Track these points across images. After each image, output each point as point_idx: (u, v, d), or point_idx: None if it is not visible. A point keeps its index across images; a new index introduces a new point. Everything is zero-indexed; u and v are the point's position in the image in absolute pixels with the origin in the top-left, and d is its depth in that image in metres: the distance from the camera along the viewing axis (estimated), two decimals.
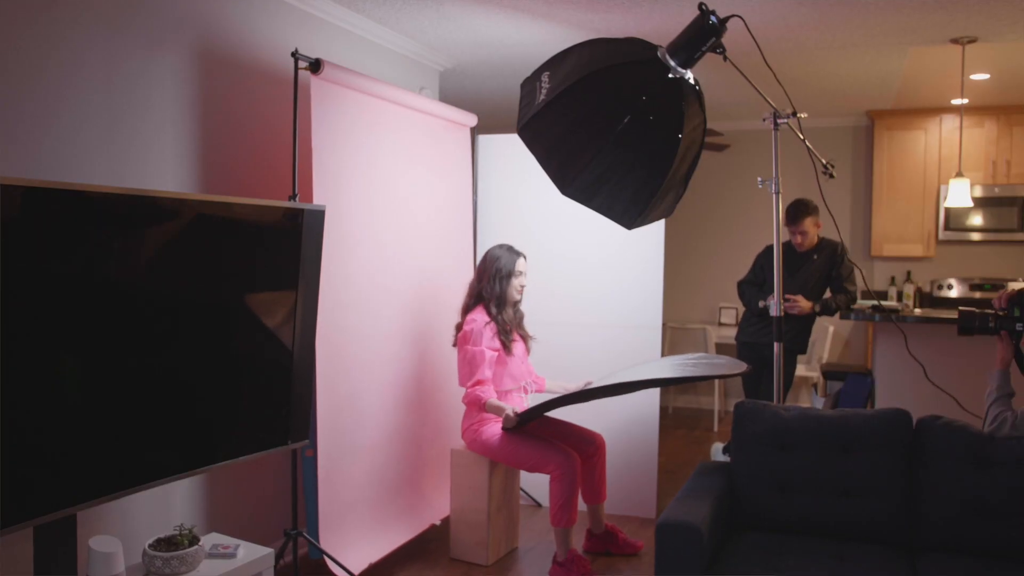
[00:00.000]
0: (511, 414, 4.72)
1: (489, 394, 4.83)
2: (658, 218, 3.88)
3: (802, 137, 4.07)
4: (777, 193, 4.22)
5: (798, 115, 4.12)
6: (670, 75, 3.43)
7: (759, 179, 4.29)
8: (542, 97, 3.61)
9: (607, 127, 3.55)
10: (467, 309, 5.03)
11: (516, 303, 5.06)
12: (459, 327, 5.01)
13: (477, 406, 4.84)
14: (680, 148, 3.47)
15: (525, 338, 5.17)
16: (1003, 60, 6.44)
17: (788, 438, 3.77)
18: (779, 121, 4.14)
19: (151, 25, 3.96)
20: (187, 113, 4.18)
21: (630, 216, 3.78)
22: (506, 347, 4.94)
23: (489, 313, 4.94)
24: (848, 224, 9.08)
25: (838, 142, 9.09)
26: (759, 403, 3.94)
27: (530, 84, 3.71)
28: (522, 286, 5.03)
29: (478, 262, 5.10)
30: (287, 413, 3.95)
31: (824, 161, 4.21)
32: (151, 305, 3.27)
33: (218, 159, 4.37)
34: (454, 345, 5.04)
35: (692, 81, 3.49)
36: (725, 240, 9.50)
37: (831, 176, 4.30)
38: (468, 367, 4.89)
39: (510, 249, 5.01)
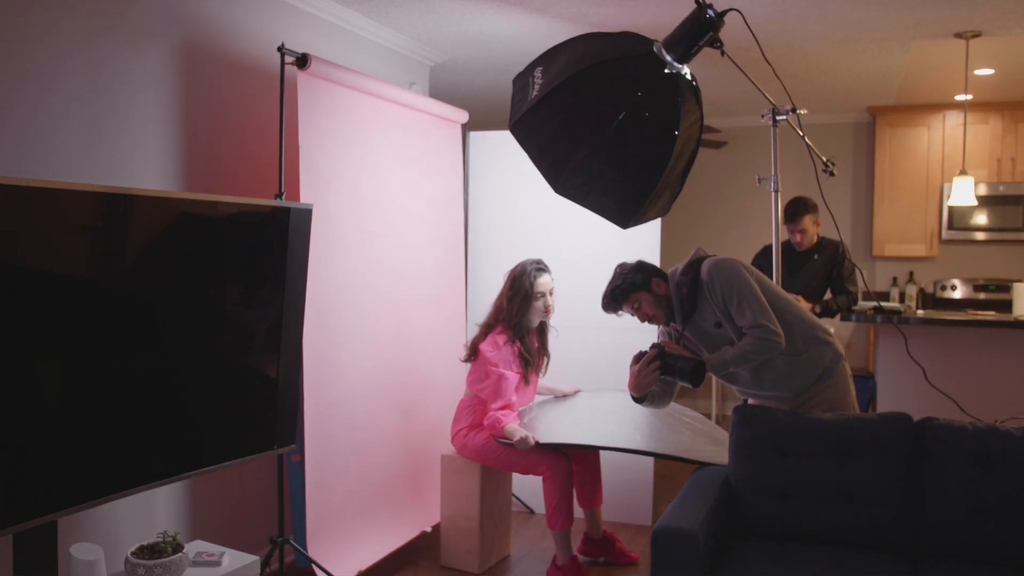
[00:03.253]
0: (530, 439, 4.67)
1: (510, 419, 4.81)
2: (654, 217, 3.89)
3: (801, 134, 4.09)
4: (776, 191, 4.24)
5: (797, 111, 4.14)
6: (666, 70, 3.44)
7: (757, 177, 4.31)
8: (535, 93, 3.62)
9: (601, 124, 3.56)
10: (487, 327, 5.02)
11: (537, 325, 5.07)
12: (475, 343, 5.01)
13: (496, 429, 4.80)
14: (676, 145, 3.48)
15: (545, 357, 5.18)
16: (1008, 55, 6.47)
17: (787, 443, 3.79)
18: (778, 118, 4.16)
19: (133, 19, 3.97)
20: (171, 109, 4.19)
21: (625, 215, 3.79)
22: (525, 377, 4.98)
23: (509, 336, 4.95)
24: (849, 223, 9.12)
25: (839, 139, 9.12)
26: (757, 407, 3.95)
27: (523, 80, 3.72)
28: (546, 307, 5.01)
29: (507, 276, 5.06)
30: (273, 417, 3.96)
31: (824, 159, 4.23)
32: (133, 306, 3.28)
33: (202, 157, 4.38)
34: (466, 359, 5.04)
35: (689, 76, 3.50)
36: (723, 240, 9.50)
37: (831, 174, 4.32)
38: (494, 388, 4.86)
39: (535, 263, 4.99)
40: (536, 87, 3.62)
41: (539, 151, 3.76)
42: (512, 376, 4.89)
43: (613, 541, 5.20)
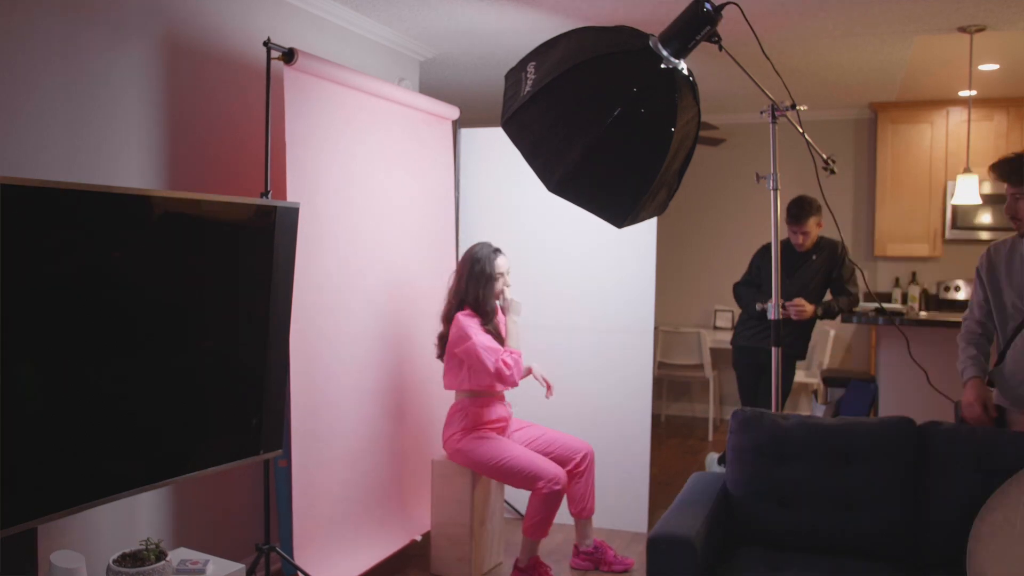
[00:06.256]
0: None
1: (512, 363, 4.95)
2: (650, 216, 3.90)
3: (801, 131, 4.10)
4: (775, 190, 4.25)
5: (797, 108, 4.15)
6: (662, 66, 3.45)
7: (756, 175, 4.31)
8: (528, 89, 3.62)
9: (596, 120, 3.56)
10: (448, 316, 5.08)
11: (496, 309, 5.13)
12: (443, 337, 5.08)
13: (517, 368, 4.98)
14: (673, 142, 3.49)
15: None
16: (1013, 50, 6.49)
17: (787, 448, 3.80)
18: (777, 114, 4.17)
19: (115, 12, 3.97)
20: (154, 106, 4.18)
21: (620, 214, 3.79)
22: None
23: (473, 315, 5.01)
24: (850, 222, 9.13)
25: (839, 136, 9.14)
26: (756, 411, 3.96)
27: (515, 75, 3.72)
28: (505, 287, 5.09)
29: (458, 262, 5.16)
30: (259, 421, 3.97)
31: (824, 156, 4.24)
32: (115, 308, 3.28)
33: (186, 154, 4.38)
34: (439, 357, 5.10)
35: (685, 72, 3.51)
36: (721, 239, 9.53)
37: (832, 172, 4.33)
38: (483, 347, 4.90)
39: (489, 247, 5.07)
40: (529, 83, 3.62)
41: (532, 149, 3.76)
42: (483, 335, 4.95)
43: (605, 550, 5.22)
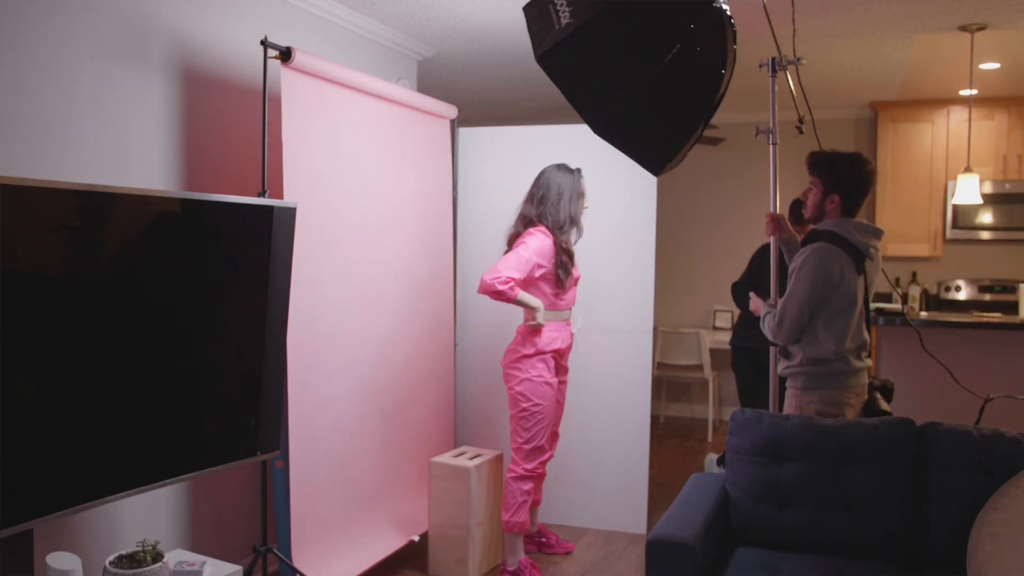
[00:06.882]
0: (541, 321, 4.84)
1: (514, 291, 4.70)
2: (673, 167, 3.77)
3: (800, 87, 4.08)
4: (774, 144, 4.22)
5: (800, 60, 4.14)
6: (713, 3, 3.37)
7: (755, 129, 4.29)
8: (567, 21, 3.45)
9: (653, 56, 3.41)
10: (516, 236, 4.95)
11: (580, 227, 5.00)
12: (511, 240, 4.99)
13: (494, 294, 4.69)
14: (721, 85, 3.42)
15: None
16: (1014, 49, 6.50)
17: (786, 449, 3.80)
18: (778, 67, 4.16)
19: (114, 14, 3.97)
20: (151, 105, 4.18)
21: (661, 159, 3.61)
22: (561, 280, 4.89)
23: (551, 235, 4.88)
24: None
25: (839, 135, 9.13)
26: (756, 412, 3.96)
27: (540, 7, 3.57)
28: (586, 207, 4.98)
29: (533, 185, 5.00)
30: (256, 422, 3.97)
31: (799, 116, 4.25)
32: (111, 308, 3.28)
33: (182, 154, 4.37)
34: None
35: (728, 12, 3.44)
36: (720, 239, 9.52)
37: (801, 131, 4.33)
38: (511, 257, 4.78)
39: (567, 169, 4.96)
40: (565, 15, 3.46)
41: (573, 85, 3.61)
42: (536, 264, 4.79)
43: (548, 534, 5.50)
